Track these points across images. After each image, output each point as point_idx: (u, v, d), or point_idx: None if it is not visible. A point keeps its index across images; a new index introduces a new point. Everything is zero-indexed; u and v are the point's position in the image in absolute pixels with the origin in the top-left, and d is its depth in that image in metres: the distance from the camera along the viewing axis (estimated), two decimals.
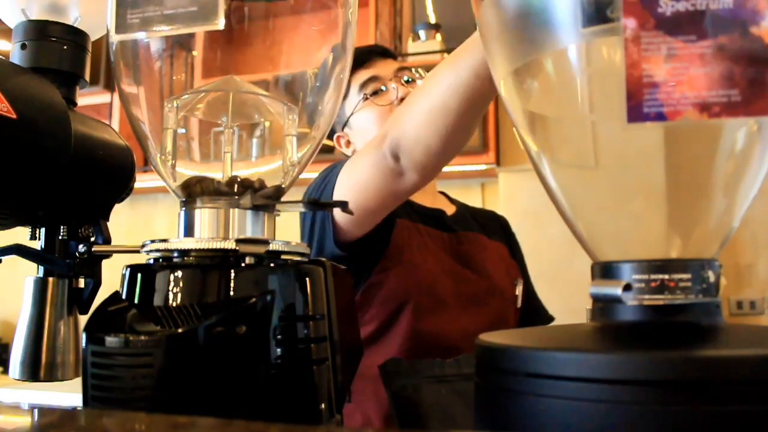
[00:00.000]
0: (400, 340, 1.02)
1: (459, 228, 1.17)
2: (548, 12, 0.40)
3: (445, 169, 2.40)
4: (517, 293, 1.15)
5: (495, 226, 1.26)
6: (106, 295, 0.43)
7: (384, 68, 1.19)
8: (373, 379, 0.99)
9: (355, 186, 0.93)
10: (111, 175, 0.58)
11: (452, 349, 1.02)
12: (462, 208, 1.27)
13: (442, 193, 1.30)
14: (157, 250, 0.45)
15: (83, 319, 0.46)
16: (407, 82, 1.18)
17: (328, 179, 1.01)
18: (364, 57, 1.19)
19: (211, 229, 0.45)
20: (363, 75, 1.18)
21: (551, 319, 1.25)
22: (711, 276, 0.37)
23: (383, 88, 1.17)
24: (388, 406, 0.99)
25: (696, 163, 0.40)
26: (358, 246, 0.99)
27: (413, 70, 1.20)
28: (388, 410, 1.00)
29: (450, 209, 1.22)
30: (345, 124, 1.21)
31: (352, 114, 1.18)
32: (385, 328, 1.03)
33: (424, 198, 1.19)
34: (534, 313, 1.23)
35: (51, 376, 0.53)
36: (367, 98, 1.16)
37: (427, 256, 1.08)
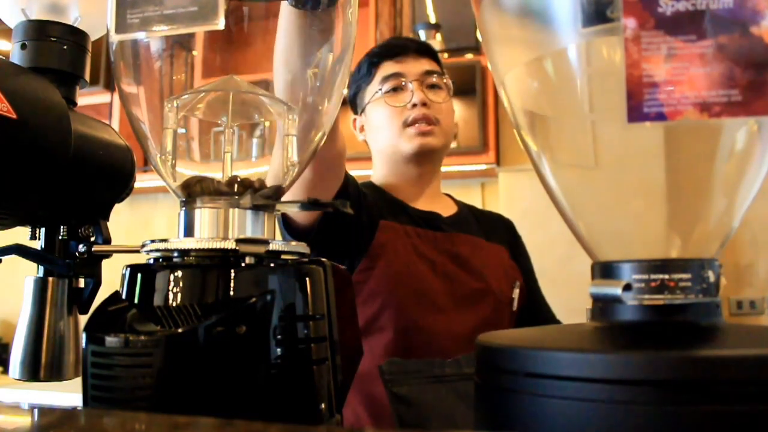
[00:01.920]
0: (385, 338, 1.02)
1: (454, 230, 1.16)
2: (548, 12, 0.40)
3: (445, 168, 2.41)
4: (513, 296, 1.14)
5: (498, 228, 1.25)
6: (106, 295, 0.43)
7: (412, 66, 1.15)
8: (360, 377, 0.98)
9: None
10: (111, 175, 0.58)
11: (440, 347, 1.02)
12: (465, 210, 1.26)
13: (448, 195, 1.29)
14: (157, 250, 0.45)
15: (83, 319, 0.46)
16: (431, 87, 1.15)
17: None
18: (397, 49, 1.17)
19: (211, 229, 0.45)
20: (388, 68, 1.15)
21: (558, 324, 1.24)
22: (711, 276, 0.37)
23: (403, 84, 1.14)
24: (378, 405, 0.99)
25: (696, 163, 0.40)
26: (315, 236, 0.98)
27: (442, 76, 1.17)
28: (377, 409, 1.00)
29: (449, 211, 1.21)
30: (363, 111, 1.20)
31: (368, 103, 1.17)
32: (369, 327, 1.03)
33: (421, 201, 1.18)
34: (538, 313, 1.22)
35: (51, 376, 0.53)
36: (381, 93, 1.14)
37: (414, 256, 1.07)
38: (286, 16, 0.63)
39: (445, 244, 1.12)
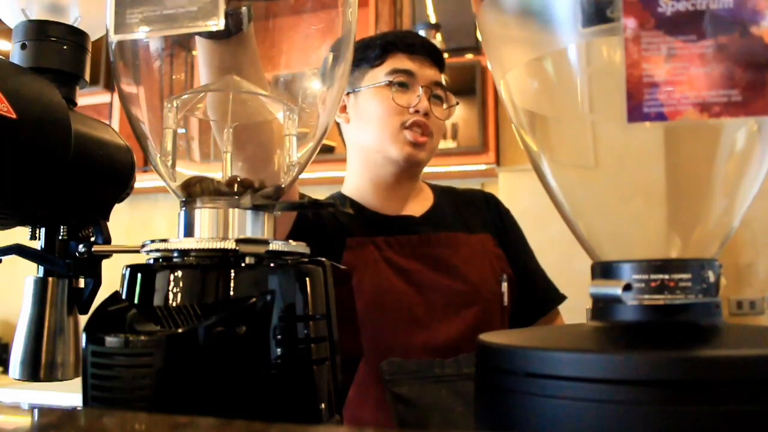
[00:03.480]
0: (366, 364, 0.97)
1: (430, 228, 1.10)
2: (548, 12, 0.40)
3: (445, 168, 2.42)
4: (503, 290, 1.09)
5: (481, 212, 1.19)
6: (106, 295, 0.43)
7: (426, 71, 1.09)
8: (347, 404, 0.97)
9: None
10: (111, 175, 0.58)
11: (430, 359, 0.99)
12: (442, 199, 1.19)
13: (426, 182, 1.21)
14: (157, 250, 0.45)
15: (83, 319, 0.46)
16: (434, 97, 1.10)
17: None
18: (414, 48, 1.10)
19: (211, 229, 0.45)
20: (402, 62, 1.09)
21: (563, 298, 1.18)
22: (711, 276, 0.37)
23: (411, 85, 1.08)
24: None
25: (696, 163, 0.40)
26: None
27: (447, 91, 1.12)
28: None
29: (425, 207, 1.15)
30: (353, 91, 1.11)
31: (367, 87, 1.09)
32: None
33: (395, 204, 1.12)
34: (542, 294, 1.17)
35: (51, 376, 0.53)
36: (392, 86, 1.07)
37: (387, 269, 1.02)
38: (200, 49, 0.62)
39: (422, 247, 1.07)
